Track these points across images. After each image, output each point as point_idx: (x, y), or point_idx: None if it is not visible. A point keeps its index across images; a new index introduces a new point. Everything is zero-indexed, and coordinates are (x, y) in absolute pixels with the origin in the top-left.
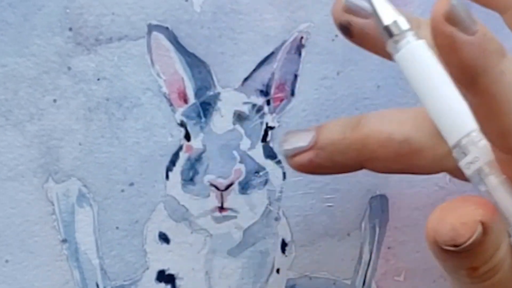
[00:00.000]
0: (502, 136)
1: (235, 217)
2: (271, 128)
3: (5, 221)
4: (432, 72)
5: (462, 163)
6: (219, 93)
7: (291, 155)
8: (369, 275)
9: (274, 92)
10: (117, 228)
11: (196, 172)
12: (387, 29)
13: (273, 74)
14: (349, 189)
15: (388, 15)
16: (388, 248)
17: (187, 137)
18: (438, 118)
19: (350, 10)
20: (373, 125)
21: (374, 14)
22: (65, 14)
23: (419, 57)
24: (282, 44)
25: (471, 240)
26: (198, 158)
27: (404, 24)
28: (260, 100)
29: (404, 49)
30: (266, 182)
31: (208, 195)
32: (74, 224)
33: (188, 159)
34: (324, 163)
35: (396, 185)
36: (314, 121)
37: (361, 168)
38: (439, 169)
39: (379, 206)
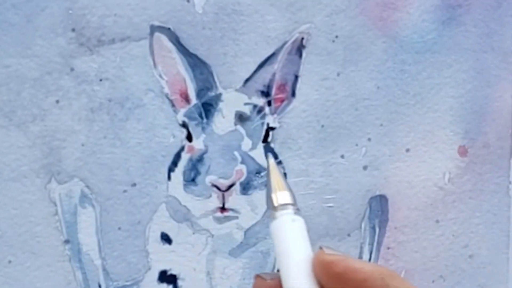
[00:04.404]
0: None
1: (237, 217)
2: (272, 128)
3: (8, 222)
4: (291, 252)
5: None
6: (220, 94)
7: None
8: None
9: (275, 93)
10: (119, 228)
11: (197, 173)
12: (270, 198)
13: (274, 75)
14: (349, 189)
15: (277, 187)
16: (388, 248)
17: (189, 137)
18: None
19: None
20: None
21: (267, 182)
22: (67, 15)
23: (286, 232)
24: (283, 45)
25: None
26: (200, 159)
27: (286, 199)
28: (261, 101)
29: (277, 220)
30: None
31: (210, 196)
32: (76, 225)
33: (190, 159)
34: None
35: (396, 185)
36: (314, 121)
37: None
38: None
39: (379, 206)
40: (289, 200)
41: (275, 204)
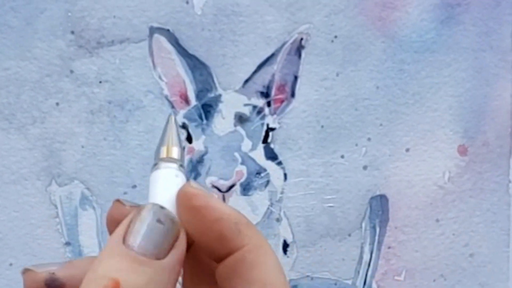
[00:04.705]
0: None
1: None
2: (272, 129)
3: (9, 224)
4: (161, 193)
5: None
6: (220, 95)
7: None
8: (369, 275)
9: (274, 94)
10: None
11: (198, 174)
12: (158, 150)
13: (273, 75)
14: (349, 189)
15: (168, 141)
16: (389, 248)
17: (189, 139)
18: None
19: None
20: None
21: (161, 136)
22: (67, 17)
23: (164, 182)
24: (282, 45)
25: None
26: (200, 160)
27: (174, 153)
28: (260, 102)
29: (159, 171)
30: (267, 183)
31: None
32: (77, 227)
33: (190, 161)
34: None
35: (396, 185)
36: (314, 122)
37: None
38: None
39: (379, 206)
40: (177, 155)
41: (162, 155)
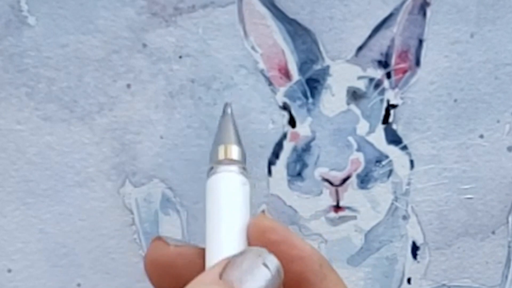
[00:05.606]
0: None
1: (354, 217)
2: (394, 106)
3: (74, 236)
4: (226, 213)
5: None
6: (328, 67)
7: None
8: None
9: (395, 63)
10: None
11: (304, 165)
12: (215, 150)
13: (393, 40)
14: (491, 176)
15: (226, 139)
16: None
17: (292, 122)
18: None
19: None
20: None
21: (216, 133)
22: None
23: (225, 191)
24: (403, 2)
25: None
26: (307, 148)
27: (233, 154)
28: (378, 73)
29: (218, 175)
30: (390, 173)
31: (321, 193)
32: (158, 235)
33: (294, 149)
34: None
35: None
36: (445, 95)
37: None
38: None
39: None
40: (237, 156)
41: (220, 157)
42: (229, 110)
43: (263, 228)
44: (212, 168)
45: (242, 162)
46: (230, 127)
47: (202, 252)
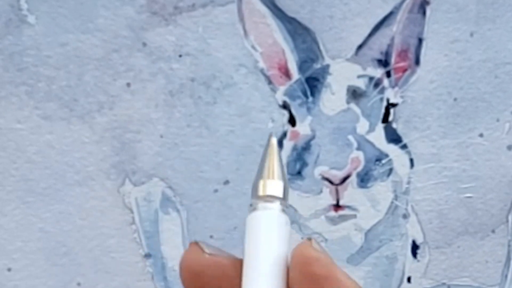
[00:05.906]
0: None
1: (354, 216)
2: (394, 105)
3: (74, 235)
4: (264, 251)
5: None
6: (328, 66)
7: None
8: None
9: (395, 61)
10: (211, 237)
11: (304, 164)
12: (256, 185)
13: (392, 39)
14: (491, 175)
15: (269, 173)
16: None
17: (292, 121)
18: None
19: None
20: None
21: (259, 166)
22: None
23: (265, 229)
24: (403, 1)
25: None
26: (306, 146)
27: (275, 190)
28: (378, 72)
29: (257, 212)
30: (390, 171)
31: (320, 191)
32: (158, 234)
33: (294, 148)
34: None
35: None
36: (445, 94)
37: None
38: None
39: None
40: (279, 193)
41: (260, 193)
42: (273, 142)
43: (307, 259)
44: (252, 204)
45: (285, 199)
46: (274, 160)
47: (237, 264)
